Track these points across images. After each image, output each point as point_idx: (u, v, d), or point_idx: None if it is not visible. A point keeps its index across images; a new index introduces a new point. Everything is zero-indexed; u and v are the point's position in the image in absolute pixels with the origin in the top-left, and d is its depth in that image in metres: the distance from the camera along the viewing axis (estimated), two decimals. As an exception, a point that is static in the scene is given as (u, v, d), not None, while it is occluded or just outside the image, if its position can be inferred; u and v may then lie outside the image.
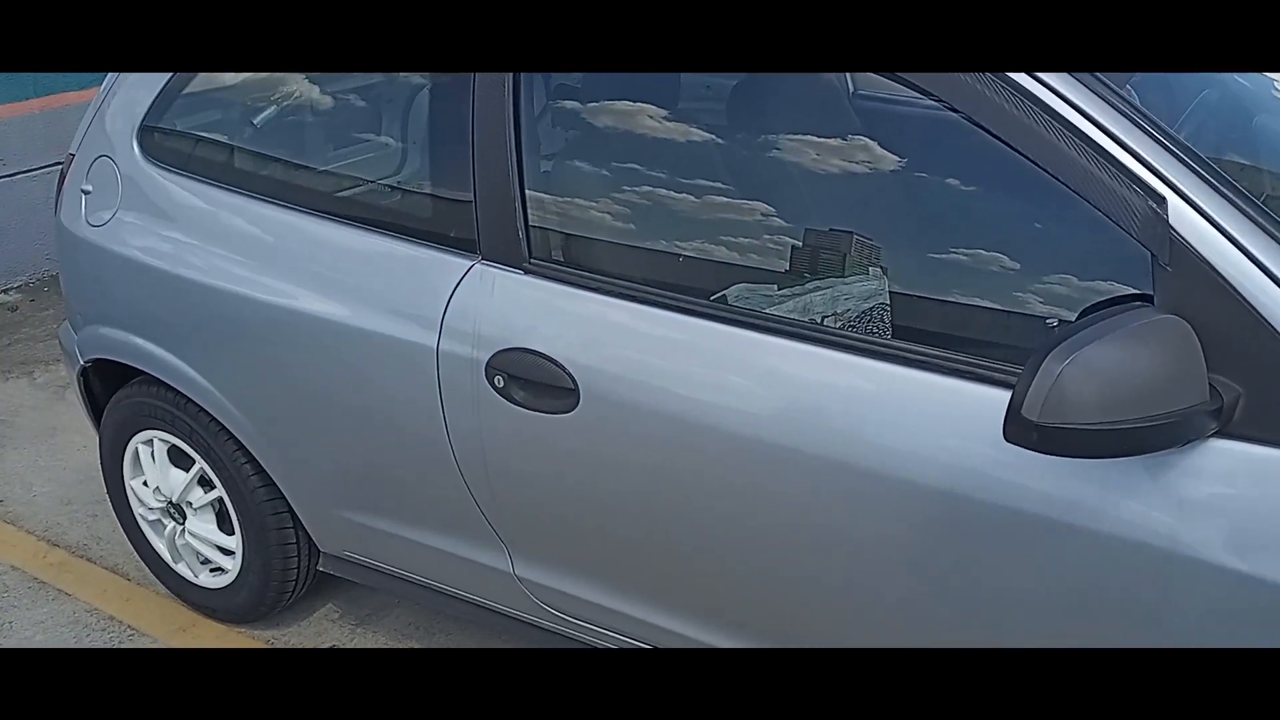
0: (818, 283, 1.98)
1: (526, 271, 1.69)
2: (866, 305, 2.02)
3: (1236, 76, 2.16)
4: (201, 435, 2.19)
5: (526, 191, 1.70)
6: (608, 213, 1.79)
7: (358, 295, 1.83)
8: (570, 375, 1.63)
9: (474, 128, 1.72)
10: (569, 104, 1.94)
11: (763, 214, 1.98)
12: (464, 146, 1.74)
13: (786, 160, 1.92)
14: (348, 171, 2.01)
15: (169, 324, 2.10)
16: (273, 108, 2.26)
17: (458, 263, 1.74)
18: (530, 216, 1.70)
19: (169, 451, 2.32)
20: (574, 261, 1.71)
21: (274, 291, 1.91)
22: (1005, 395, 1.36)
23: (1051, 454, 1.19)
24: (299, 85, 2.20)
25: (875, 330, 2.02)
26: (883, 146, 2.05)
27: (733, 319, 1.62)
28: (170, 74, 2.17)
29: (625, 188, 1.80)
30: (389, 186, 1.94)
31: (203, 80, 2.21)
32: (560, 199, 1.75)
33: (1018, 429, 1.18)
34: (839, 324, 2.01)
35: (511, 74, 1.68)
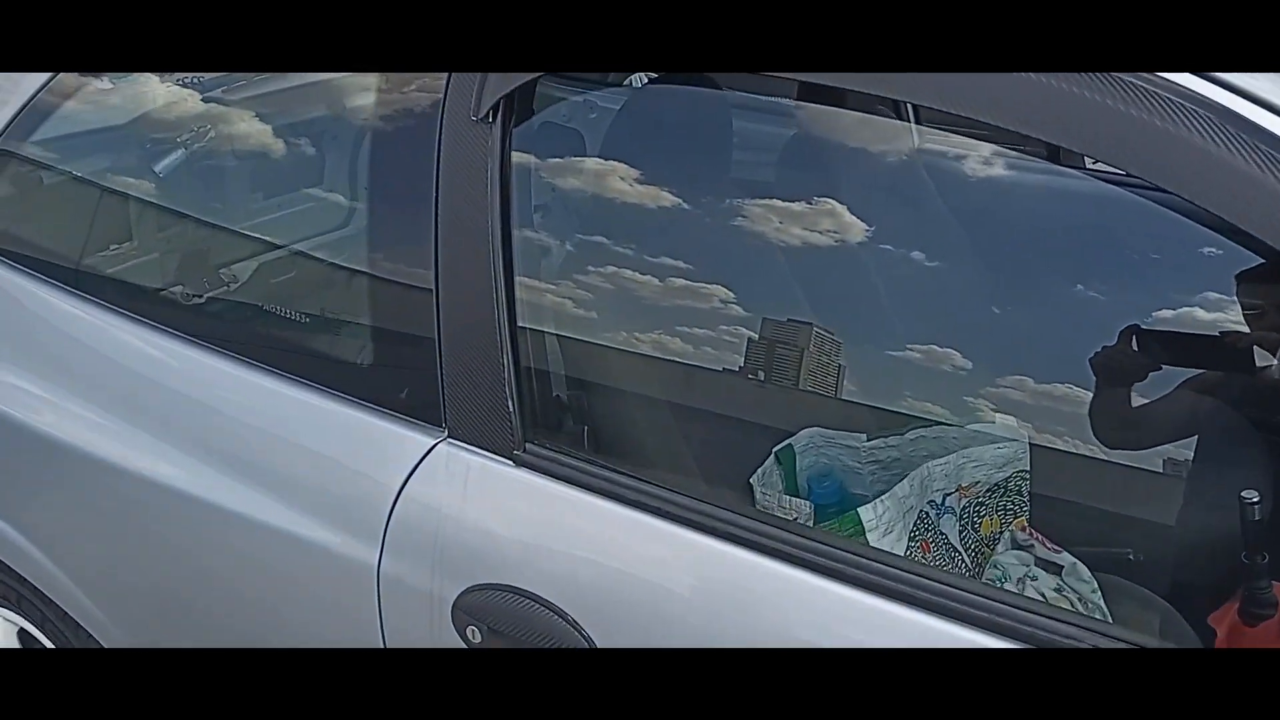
0: (922, 433, 1.41)
1: (520, 463, 1.06)
2: (1001, 475, 1.45)
3: None
4: (55, 625, 1.55)
5: (519, 326, 1.08)
6: (660, 362, 1.19)
7: (257, 471, 1.19)
8: (588, 639, 1.01)
9: (438, 215, 1.09)
10: (580, 168, 1.32)
11: (848, 326, 1.41)
12: (419, 246, 1.11)
13: (869, 257, 1.36)
14: (250, 277, 1.38)
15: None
16: (175, 155, 1.65)
17: (411, 439, 1.10)
18: (527, 371, 1.08)
19: (18, 634, 1.69)
20: (601, 449, 1.10)
21: (135, 455, 1.26)
22: None
23: None
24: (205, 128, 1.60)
25: (1011, 509, 1.46)
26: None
27: (842, 569, 0.97)
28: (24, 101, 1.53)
29: (675, 308, 1.20)
30: (308, 312, 1.30)
31: (66, 116, 1.59)
32: (581, 338, 1.14)
33: None
34: (965, 503, 1.44)
35: (499, 112, 1.05)
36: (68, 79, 1.55)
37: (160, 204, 1.66)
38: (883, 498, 1.22)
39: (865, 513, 1.20)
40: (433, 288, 1.08)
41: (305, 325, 1.24)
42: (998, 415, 1.39)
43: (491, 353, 1.06)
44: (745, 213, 1.35)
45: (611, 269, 1.18)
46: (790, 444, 1.39)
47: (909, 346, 1.35)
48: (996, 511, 1.37)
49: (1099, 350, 1.18)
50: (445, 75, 1.05)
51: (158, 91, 1.66)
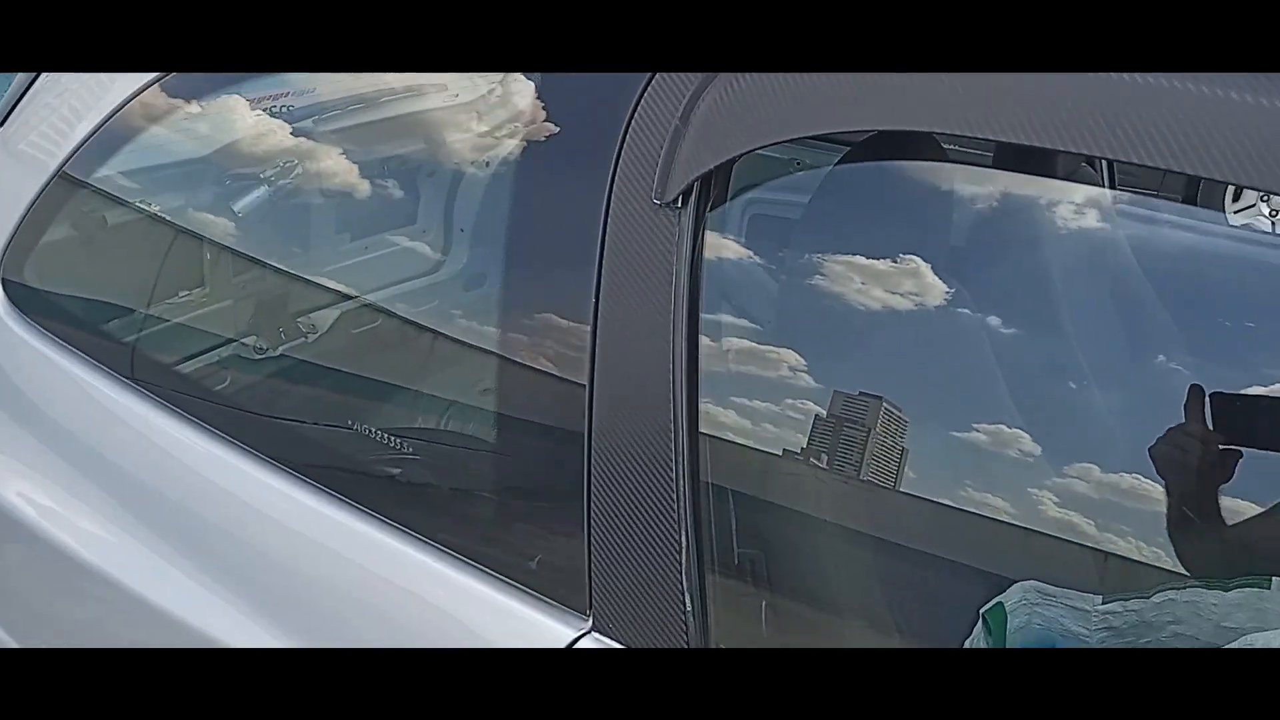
0: (1171, 595, 1.10)
1: (695, 680, 0.77)
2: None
3: None
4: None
5: (700, 469, 0.78)
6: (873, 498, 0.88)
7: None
8: None
9: (597, 325, 0.79)
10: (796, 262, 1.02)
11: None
12: (564, 353, 0.82)
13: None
14: (327, 331, 1.11)
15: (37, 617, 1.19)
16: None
17: (542, 627, 0.81)
18: (708, 541, 0.78)
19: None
20: (785, 627, 0.80)
21: (188, 603, 0.99)
22: None
23: None
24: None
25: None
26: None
27: None
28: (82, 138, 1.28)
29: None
30: (406, 429, 1.00)
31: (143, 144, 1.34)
32: (787, 490, 0.84)
33: None
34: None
35: (694, 195, 0.74)
36: (142, 103, 1.33)
37: (237, 247, 1.43)
38: (1101, 637, 0.91)
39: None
40: (585, 419, 0.79)
41: (401, 450, 0.95)
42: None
43: (663, 517, 0.76)
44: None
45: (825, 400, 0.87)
46: (1000, 603, 1.09)
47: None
48: None
49: (1162, 435, 0.79)
50: (615, 147, 0.76)
51: (243, 120, 1.42)
